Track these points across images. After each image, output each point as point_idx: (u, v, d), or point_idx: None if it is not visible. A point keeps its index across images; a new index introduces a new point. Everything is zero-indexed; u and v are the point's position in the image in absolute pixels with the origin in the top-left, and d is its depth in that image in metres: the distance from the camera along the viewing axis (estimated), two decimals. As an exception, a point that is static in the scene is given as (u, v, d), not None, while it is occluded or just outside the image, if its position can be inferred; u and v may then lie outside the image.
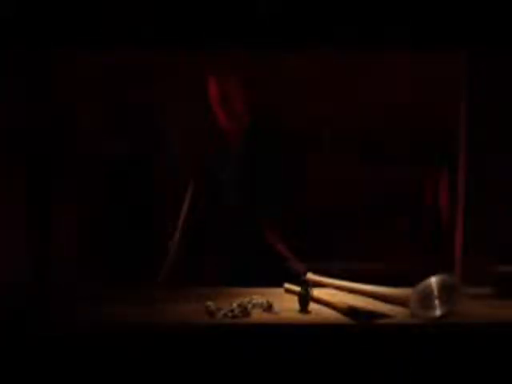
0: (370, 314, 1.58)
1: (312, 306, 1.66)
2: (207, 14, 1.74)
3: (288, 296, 1.82)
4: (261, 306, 1.66)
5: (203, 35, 1.75)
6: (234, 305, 1.61)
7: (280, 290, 1.89)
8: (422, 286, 1.63)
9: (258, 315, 1.61)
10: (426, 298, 1.60)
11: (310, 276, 1.96)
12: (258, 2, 1.71)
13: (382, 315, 1.58)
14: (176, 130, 2.29)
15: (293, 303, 1.68)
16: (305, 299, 1.65)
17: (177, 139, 2.30)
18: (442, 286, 1.60)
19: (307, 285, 1.67)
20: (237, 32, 1.75)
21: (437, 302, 1.59)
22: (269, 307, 1.65)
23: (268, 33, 1.74)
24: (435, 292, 1.60)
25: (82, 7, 1.73)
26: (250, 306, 1.63)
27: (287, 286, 1.88)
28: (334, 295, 1.79)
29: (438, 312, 1.57)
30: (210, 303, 1.62)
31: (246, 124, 2.24)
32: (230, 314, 1.58)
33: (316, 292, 1.72)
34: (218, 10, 1.73)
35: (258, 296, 1.69)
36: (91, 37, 1.76)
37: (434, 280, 1.62)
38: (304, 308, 1.64)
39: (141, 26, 1.75)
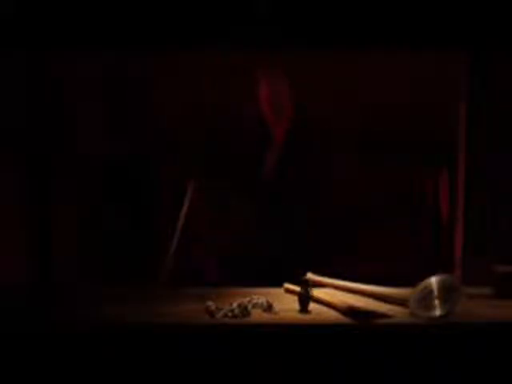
0: (370, 314, 1.58)
1: (312, 305, 1.66)
2: (206, 14, 1.74)
3: (288, 296, 1.82)
4: (261, 306, 1.66)
5: (202, 35, 1.75)
6: (234, 305, 1.61)
7: (280, 290, 1.89)
8: (421, 285, 1.63)
9: (257, 315, 1.61)
10: (426, 298, 1.60)
11: (310, 276, 1.96)
12: (258, 1, 1.71)
13: (382, 315, 1.58)
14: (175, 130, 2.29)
15: (293, 303, 1.68)
16: (305, 299, 1.65)
17: (176, 139, 2.30)
18: (442, 286, 1.60)
19: (307, 285, 1.67)
20: (236, 32, 1.75)
21: (437, 301, 1.59)
22: (269, 307, 1.65)
23: (268, 32, 1.74)
24: (435, 292, 1.60)
25: (82, 8, 1.73)
26: (250, 305, 1.63)
27: (287, 285, 1.88)
28: (334, 295, 1.79)
29: (437, 312, 1.57)
30: (210, 303, 1.62)
31: (290, 123, 2.26)
32: (230, 314, 1.58)
33: (316, 292, 1.72)
34: (217, 10, 1.73)
35: (258, 296, 1.69)
36: (90, 37, 1.76)
37: (434, 280, 1.62)
38: (304, 308, 1.64)
39: (140, 26, 1.75)
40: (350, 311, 1.59)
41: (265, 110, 2.23)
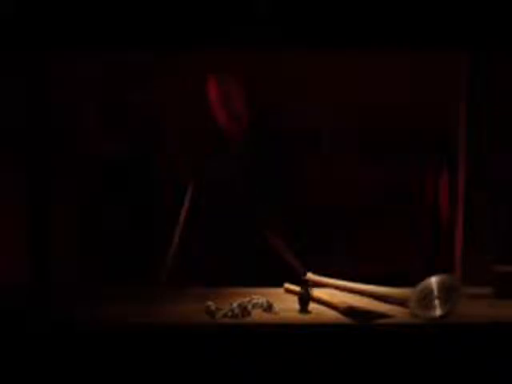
0: (370, 314, 1.58)
1: (312, 305, 1.66)
2: (206, 14, 1.74)
3: (288, 296, 1.82)
4: (261, 306, 1.66)
5: (202, 35, 1.75)
6: (234, 305, 1.61)
7: (280, 290, 1.89)
8: (421, 285, 1.63)
9: (258, 315, 1.61)
10: (425, 298, 1.60)
11: (310, 276, 1.96)
12: (258, 1, 1.71)
13: (382, 315, 1.58)
14: (175, 130, 2.29)
15: (293, 303, 1.68)
16: (305, 299, 1.65)
17: (176, 139, 2.30)
18: (442, 286, 1.60)
19: (307, 285, 1.67)
20: (236, 32, 1.75)
21: (437, 301, 1.59)
22: (269, 307, 1.65)
23: (268, 32, 1.74)
24: (435, 292, 1.60)
25: (82, 8, 1.73)
26: (250, 306, 1.63)
27: (287, 285, 1.88)
28: (334, 295, 1.79)
29: (437, 312, 1.57)
30: (210, 303, 1.62)
31: (246, 124, 2.25)
32: (229, 314, 1.58)
33: (316, 292, 1.72)
34: (217, 10, 1.73)
35: (258, 296, 1.69)
36: (90, 37, 1.76)
37: (434, 280, 1.62)
38: (304, 308, 1.64)
39: (141, 26, 1.75)
40: (349, 311, 1.59)
41: (216, 111, 2.23)
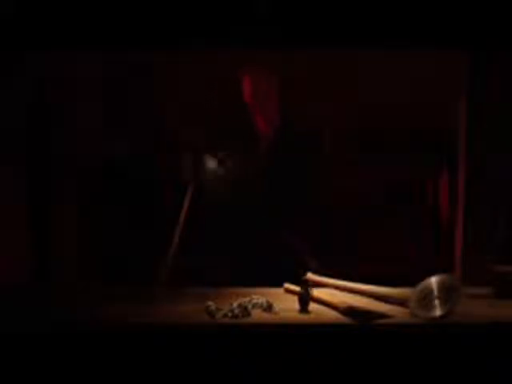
0: (370, 314, 1.58)
1: (312, 305, 1.66)
2: (206, 14, 1.74)
3: (288, 296, 1.82)
4: (261, 306, 1.66)
5: (202, 35, 1.75)
6: (234, 305, 1.61)
7: (280, 290, 1.89)
8: (421, 285, 1.63)
9: (258, 315, 1.61)
10: (425, 298, 1.60)
11: (310, 276, 1.96)
12: (258, 1, 1.72)
13: (382, 315, 1.58)
14: (175, 129, 2.30)
15: (293, 303, 1.68)
16: (305, 299, 1.65)
17: (176, 138, 2.30)
18: (442, 286, 1.60)
19: (307, 285, 1.67)
20: (236, 32, 1.75)
21: (437, 301, 1.59)
22: (269, 307, 1.65)
23: (268, 32, 1.74)
24: (435, 292, 1.60)
25: (81, 8, 1.73)
26: (250, 306, 1.63)
27: (287, 285, 1.88)
28: (334, 295, 1.79)
29: (438, 312, 1.57)
30: (210, 303, 1.62)
31: (278, 123, 2.24)
32: (229, 314, 1.58)
33: (316, 292, 1.72)
34: (217, 10, 1.74)
35: (258, 296, 1.69)
36: (90, 37, 1.76)
37: (434, 280, 1.62)
38: (304, 308, 1.64)
39: (141, 26, 1.75)
40: (349, 311, 1.59)
41: (250, 107, 2.23)
